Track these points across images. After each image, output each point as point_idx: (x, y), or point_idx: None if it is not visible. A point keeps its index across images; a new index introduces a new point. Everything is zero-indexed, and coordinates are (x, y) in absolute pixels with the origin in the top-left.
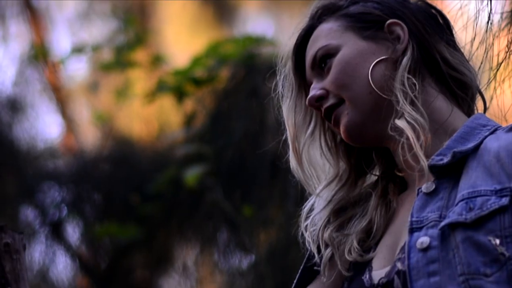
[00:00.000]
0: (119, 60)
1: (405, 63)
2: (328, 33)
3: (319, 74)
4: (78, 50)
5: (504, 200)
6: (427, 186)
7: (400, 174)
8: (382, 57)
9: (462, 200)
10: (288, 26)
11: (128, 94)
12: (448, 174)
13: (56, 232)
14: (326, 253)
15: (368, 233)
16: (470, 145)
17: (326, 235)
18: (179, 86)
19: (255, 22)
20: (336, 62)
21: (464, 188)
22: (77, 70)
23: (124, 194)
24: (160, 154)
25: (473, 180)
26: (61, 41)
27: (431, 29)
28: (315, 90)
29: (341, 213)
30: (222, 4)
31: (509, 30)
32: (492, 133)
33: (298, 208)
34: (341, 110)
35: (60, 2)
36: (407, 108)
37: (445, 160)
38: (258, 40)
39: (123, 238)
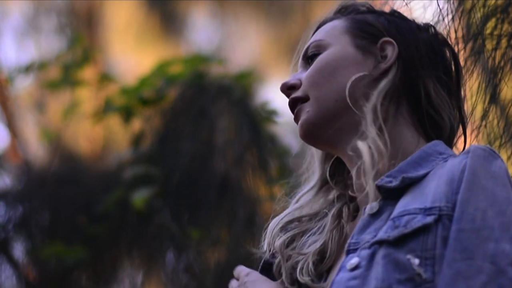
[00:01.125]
0: (66, 78)
1: (383, 85)
2: (328, 30)
3: (305, 65)
4: (25, 68)
5: (429, 219)
6: (371, 206)
7: (353, 195)
8: (364, 73)
9: (392, 219)
10: (235, 33)
11: (76, 112)
12: (395, 196)
13: (3, 251)
14: (276, 262)
15: (323, 256)
16: (421, 172)
17: (277, 243)
18: (127, 106)
19: (202, 31)
20: (318, 59)
21: (397, 208)
22: (24, 87)
23: (71, 214)
24: (107, 174)
25: (407, 200)
26: (7, 56)
27: (427, 61)
28: (291, 78)
29: (297, 224)
30: (168, 13)
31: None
32: (445, 161)
33: (246, 230)
34: (304, 107)
35: (6, 15)
36: (373, 132)
37: (394, 183)
38: (206, 60)
39: (70, 259)
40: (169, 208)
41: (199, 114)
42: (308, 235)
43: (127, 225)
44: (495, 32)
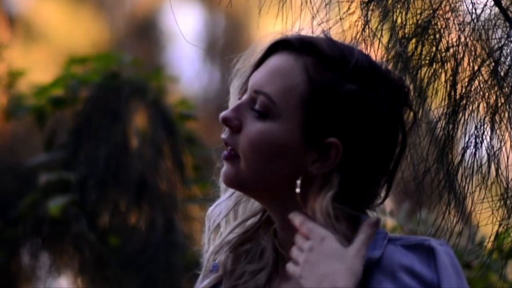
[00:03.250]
0: None
1: (329, 196)
2: (285, 89)
3: (250, 102)
4: None
5: None
6: None
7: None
8: (311, 173)
9: None
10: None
11: None
12: None
13: None
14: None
15: None
16: (378, 252)
17: (220, 257)
18: (39, 106)
19: None
20: (262, 131)
21: None
22: None
23: None
24: (21, 177)
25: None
26: None
27: (376, 161)
28: (234, 115)
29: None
30: None
31: None
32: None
33: (165, 236)
34: (235, 159)
35: None
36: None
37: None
38: (118, 59)
39: None
40: (85, 215)
41: (113, 116)
42: (249, 256)
43: (43, 230)
44: (416, 53)
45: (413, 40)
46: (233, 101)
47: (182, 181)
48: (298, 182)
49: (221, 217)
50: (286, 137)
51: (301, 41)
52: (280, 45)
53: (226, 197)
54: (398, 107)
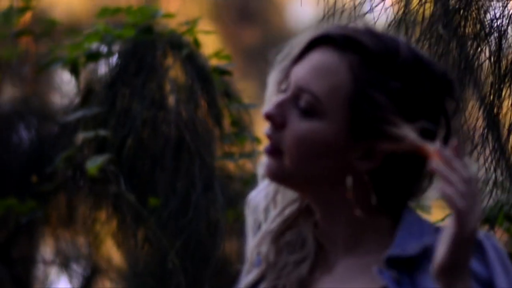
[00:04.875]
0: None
1: (374, 190)
2: (330, 89)
3: (293, 98)
4: None
5: None
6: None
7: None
8: (357, 169)
9: None
10: None
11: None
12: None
13: None
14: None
15: None
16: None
17: (263, 249)
18: (74, 59)
19: None
20: (310, 130)
21: None
22: None
23: (20, 170)
24: (57, 133)
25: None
26: None
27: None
28: (277, 112)
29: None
30: None
31: None
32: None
33: (205, 195)
34: (278, 154)
35: None
36: None
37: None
38: (153, 13)
39: (23, 212)
40: (123, 175)
41: (148, 71)
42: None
43: (80, 189)
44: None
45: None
46: (271, 94)
47: (220, 137)
48: (350, 180)
49: (262, 208)
50: (332, 136)
51: (345, 38)
52: (322, 40)
53: (265, 185)
54: (443, 100)
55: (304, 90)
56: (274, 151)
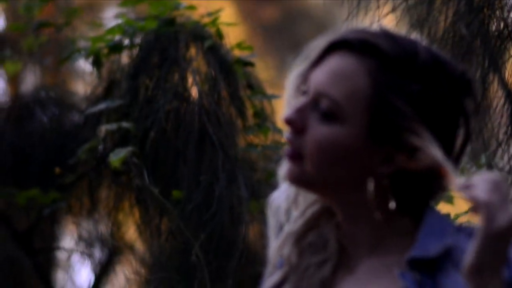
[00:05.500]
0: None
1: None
2: (349, 93)
3: (313, 103)
4: None
5: None
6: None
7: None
8: (379, 173)
9: None
10: None
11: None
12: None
13: None
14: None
15: None
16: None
17: (285, 251)
18: (96, 50)
19: None
20: (331, 135)
21: None
22: None
23: (43, 161)
24: (79, 124)
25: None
26: None
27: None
28: (297, 117)
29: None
30: None
31: None
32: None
33: (229, 188)
34: (299, 158)
35: None
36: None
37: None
38: (176, 5)
39: (46, 203)
40: (147, 167)
41: (171, 63)
42: (312, 248)
43: (103, 179)
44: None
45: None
46: (290, 98)
47: (243, 129)
48: (370, 185)
49: (283, 210)
50: (353, 140)
51: (362, 43)
52: (339, 44)
53: (287, 187)
54: (462, 100)
55: (323, 95)
56: (295, 155)
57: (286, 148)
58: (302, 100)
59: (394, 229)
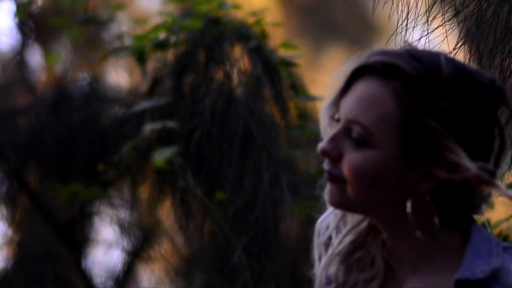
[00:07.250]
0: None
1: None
2: (378, 119)
3: (345, 130)
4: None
5: None
6: None
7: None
8: (419, 191)
9: None
10: None
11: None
12: None
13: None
14: None
15: None
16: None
17: (332, 269)
18: (141, 47)
19: None
20: (365, 160)
21: None
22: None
23: (87, 157)
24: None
25: None
26: None
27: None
28: (332, 146)
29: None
30: None
31: None
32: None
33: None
34: (340, 183)
35: None
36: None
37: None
38: (221, 4)
39: (87, 199)
40: (191, 168)
41: (216, 63)
42: (361, 264)
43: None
44: None
45: None
46: (326, 128)
47: (287, 130)
48: (409, 204)
49: (331, 229)
50: (388, 163)
51: (384, 66)
52: (363, 70)
53: (333, 209)
54: (493, 109)
55: (354, 122)
56: (336, 178)
57: (327, 174)
58: (335, 129)
59: (440, 245)
